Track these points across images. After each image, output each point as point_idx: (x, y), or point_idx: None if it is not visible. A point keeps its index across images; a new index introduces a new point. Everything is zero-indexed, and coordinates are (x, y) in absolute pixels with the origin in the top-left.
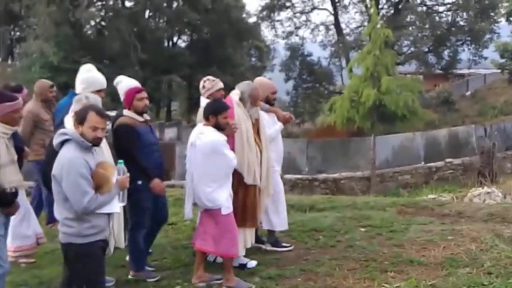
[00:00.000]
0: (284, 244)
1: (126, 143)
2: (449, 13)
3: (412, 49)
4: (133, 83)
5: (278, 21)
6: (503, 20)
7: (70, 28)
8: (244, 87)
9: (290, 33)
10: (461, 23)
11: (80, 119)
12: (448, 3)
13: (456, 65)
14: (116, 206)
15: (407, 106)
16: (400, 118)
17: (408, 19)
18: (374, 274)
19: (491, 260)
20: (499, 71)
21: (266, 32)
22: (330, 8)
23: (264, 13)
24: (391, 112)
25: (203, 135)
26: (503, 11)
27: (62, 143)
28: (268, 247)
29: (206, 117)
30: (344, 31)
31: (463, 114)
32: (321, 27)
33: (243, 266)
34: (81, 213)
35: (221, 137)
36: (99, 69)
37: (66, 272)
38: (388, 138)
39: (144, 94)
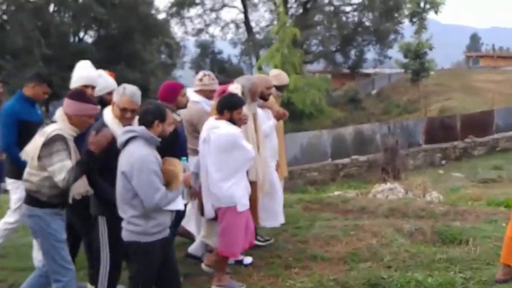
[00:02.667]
0: (267, 238)
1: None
2: (355, 13)
3: (320, 48)
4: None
5: (188, 18)
6: (406, 21)
7: None
8: (244, 82)
9: (200, 30)
10: (367, 23)
11: (162, 117)
12: (355, 4)
13: (363, 64)
14: (180, 203)
15: (314, 105)
16: (308, 116)
17: (316, 19)
18: (279, 270)
19: (391, 254)
20: (402, 70)
21: (176, 29)
22: (240, 6)
23: (174, 9)
24: (299, 110)
25: (218, 129)
26: (406, 12)
27: (127, 140)
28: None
29: (221, 111)
30: (254, 29)
31: (369, 112)
32: (231, 25)
33: (239, 263)
34: (152, 210)
35: (237, 130)
36: (0, 65)
37: (131, 269)
38: (296, 136)
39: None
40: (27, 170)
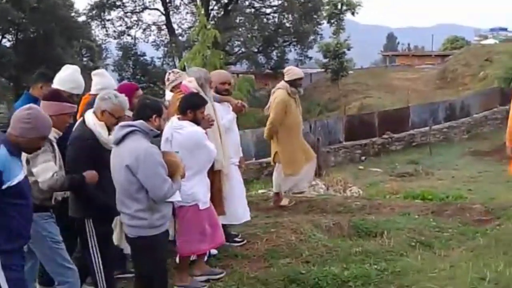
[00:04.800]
0: (237, 239)
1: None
2: (275, 15)
3: (243, 49)
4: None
5: (108, 20)
6: (325, 22)
7: None
8: (197, 74)
9: (122, 33)
10: (287, 24)
11: (160, 111)
12: (274, 6)
13: (284, 64)
14: (178, 195)
15: None
16: None
17: (237, 21)
18: None
19: (309, 249)
20: (323, 70)
21: (97, 32)
22: (162, 8)
23: (94, 12)
24: None
25: (181, 129)
26: (324, 13)
27: (124, 135)
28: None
29: (183, 111)
30: (177, 31)
31: None
32: (153, 27)
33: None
34: (160, 201)
35: (200, 129)
36: None
37: (139, 267)
38: None
39: None
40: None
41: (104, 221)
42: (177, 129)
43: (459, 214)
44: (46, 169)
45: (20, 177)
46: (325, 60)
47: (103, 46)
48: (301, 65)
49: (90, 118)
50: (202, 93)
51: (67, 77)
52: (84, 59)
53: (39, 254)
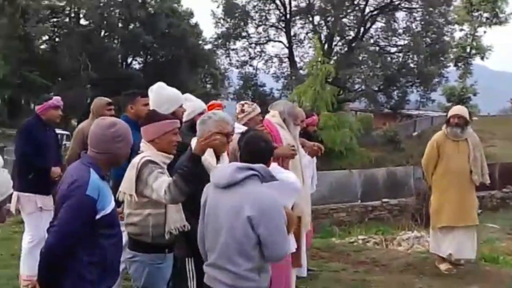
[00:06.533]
0: None
1: None
2: (400, 54)
3: (363, 87)
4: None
5: (233, 50)
6: (451, 65)
7: (19, 41)
8: (281, 107)
9: (244, 63)
10: (411, 65)
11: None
12: (400, 45)
13: (405, 105)
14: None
15: (344, 143)
16: (336, 155)
17: (360, 58)
18: None
19: None
20: (445, 114)
21: (221, 60)
22: (285, 41)
23: (220, 41)
24: (328, 148)
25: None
26: (452, 56)
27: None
28: None
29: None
30: (298, 65)
31: (408, 154)
32: (275, 59)
33: None
34: (274, 261)
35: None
36: (47, 86)
37: None
38: (324, 174)
39: None
40: (126, 212)
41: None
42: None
43: None
44: (160, 186)
45: (112, 204)
46: (448, 104)
47: (225, 74)
48: (422, 107)
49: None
50: (285, 129)
51: (157, 97)
52: (207, 86)
53: None
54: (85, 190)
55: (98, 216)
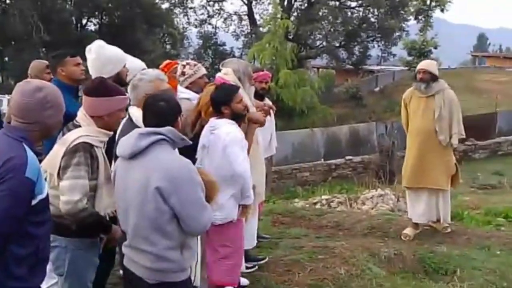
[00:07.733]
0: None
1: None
2: (360, 9)
3: (324, 43)
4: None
5: (191, 8)
6: (412, 18)
7: None
8: (235, 65)
9: (203, 21)
10: (372, 19)
11: (179, 110)
12: None
13: (366, 61)
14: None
15: (306, 102)
16: (298, 114)
17: (320, 13)
18: None
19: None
20: (407, 68)
21: (179, 19)
22: None
23: None
24: (289, 107)
25: (216, 129)
26: (412, 9)
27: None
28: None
29: (218, 110)
30: (258, 22)
31: (371, 110)
32: (235, 17)
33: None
34: (195, 235)
35: (237, 129)
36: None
37: None
38: (287, 134)
39: None
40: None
41: None
42: (212, 130)
43: None
44: (74, 188)
45: (46, 186)
46: (409, 58)
47: (184, 34)
48: (383, 62)
49: (137, 114)
50: (242, 90)
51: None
52: (166, 46)
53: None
54: (24, 172)
55: (34, 202)
